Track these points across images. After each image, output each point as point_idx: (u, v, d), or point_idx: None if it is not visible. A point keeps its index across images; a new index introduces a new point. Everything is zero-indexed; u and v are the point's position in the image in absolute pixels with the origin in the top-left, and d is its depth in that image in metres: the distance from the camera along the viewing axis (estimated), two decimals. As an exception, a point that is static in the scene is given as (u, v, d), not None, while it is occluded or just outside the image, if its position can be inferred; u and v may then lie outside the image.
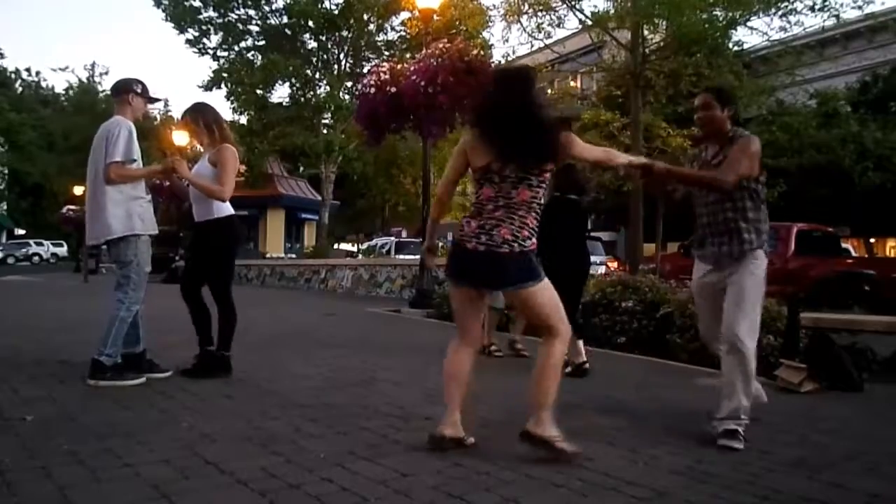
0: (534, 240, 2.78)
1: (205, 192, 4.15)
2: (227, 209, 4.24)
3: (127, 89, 4.14)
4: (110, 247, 4.04)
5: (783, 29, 10.19)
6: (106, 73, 47.10)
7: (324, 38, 26.17)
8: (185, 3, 25.21)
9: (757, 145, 3.23)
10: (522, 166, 2.75)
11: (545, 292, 2.80)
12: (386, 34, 26.71)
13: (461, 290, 2.88)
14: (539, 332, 2.93)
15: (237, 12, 25.99)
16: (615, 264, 14.50)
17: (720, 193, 3.23)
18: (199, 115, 4.30)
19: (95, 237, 4.02)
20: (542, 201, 2.83)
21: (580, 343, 4.82)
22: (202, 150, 4.49)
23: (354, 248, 34.37)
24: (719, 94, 3.38)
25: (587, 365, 4.78)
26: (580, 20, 11.62)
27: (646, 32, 11.20)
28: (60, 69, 48.99)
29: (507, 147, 2.75)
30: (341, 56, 26.61)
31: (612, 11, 10.80)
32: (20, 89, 48.78)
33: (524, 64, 3.46)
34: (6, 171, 42.89)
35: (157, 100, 4.40)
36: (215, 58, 26.69)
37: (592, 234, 18.89)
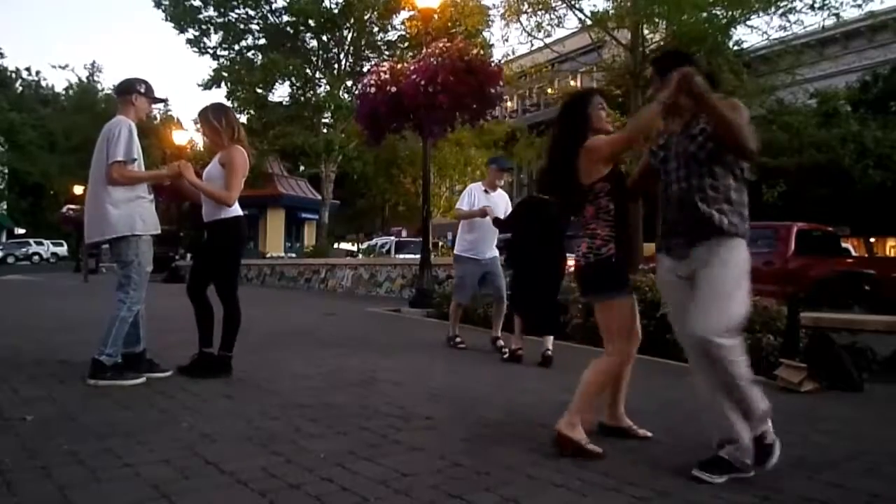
0: (610, 245, 2.85)
1: (211, 197, 4.17)
2: (235, 209, 4.26)
3: (130, 89, 4.13)
4: (112, 246, 4.04)
5: (783, 28, 10.19)
6: (100, 71, 47.14)
7: (325, 38, 26.19)
8: (186, 2, 25.22)
9: (744, 110, 2.66)
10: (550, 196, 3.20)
11: (614, 311, 2.88)
12: (386, 33, 26.73)
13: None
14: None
15: (237, 11, 26.01)
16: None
17: (741, 156, 2.61)
18: (222, 114, 4.34)
19: (96, 236, 4.02)
20: (612, 207, 2.88)
21: (550, 338, 5.24)
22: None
23: (354, 248, 34.37)
24: (659, 63, 2.83)
25: (521, 352, 5.27)
26: (580, 20, 11.63)
27: (645, 32, 11.19)
28: (61, 67, 49.10)
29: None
30: (341, 55, 26.63)
31: (611, 11, 10.80)
32: (20, 89, 48.78)
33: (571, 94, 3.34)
34: (6, 171, 42.89)
35: (161, 100, 4.40)
36: (215, 57, 26.73)
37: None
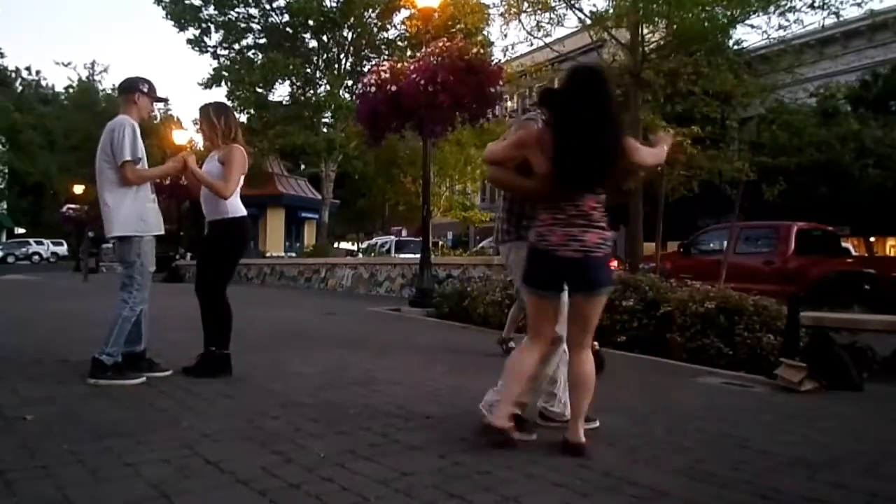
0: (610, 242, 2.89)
1: (209, 187, 4.20)
2: (239, 209, 4.30)
3: (133, 88, 4.14)
4: (115, 246, 4.05)
5: (782, 27, 10.17)
6: (105, 71, 47.16)
7: (324, 38, 26.19)
8: (186, 1, 25.24)
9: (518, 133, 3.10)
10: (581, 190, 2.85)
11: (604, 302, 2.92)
12: (386, 32, 26.72)
13: (544, 297, 2.88)
14: (577, 340, 2.90)
15: (237, 10, 26.01)
16: (615, 263, 14.47)
17: None
18: (223, 113, 4.38)
19: (107, 234, 4.03)
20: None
21: None
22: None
23: (354, 247, 34.39)
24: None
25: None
26: (579, 19, 11.60)
27: (645, 31, 11.16)
28: (64, 64, 48.82)
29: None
30: (341, 55, 26.63)
31: (611, 10, 10.78)
32: (20, 88, 48.78)
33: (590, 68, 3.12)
34: (6, 171, 42.89)
35: (163, 99, 4.42)
36: (215, 56, 26.75)
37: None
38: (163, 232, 4.20)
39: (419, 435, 2.99)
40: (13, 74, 48.52)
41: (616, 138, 2.80)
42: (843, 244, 13.39)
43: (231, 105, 26.31)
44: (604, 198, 2.87)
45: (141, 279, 4.01)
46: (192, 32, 26.04)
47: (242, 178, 4.32)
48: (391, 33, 26.58)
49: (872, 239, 19.93)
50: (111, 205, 3.95)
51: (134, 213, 4.00)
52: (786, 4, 9.64)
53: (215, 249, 4.34)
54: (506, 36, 29.89)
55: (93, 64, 55.04)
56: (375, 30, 26.37)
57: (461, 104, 8.88)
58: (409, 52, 21.87)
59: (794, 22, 9.90)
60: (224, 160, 4.22)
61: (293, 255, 28.31)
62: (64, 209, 26.75)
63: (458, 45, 8.94)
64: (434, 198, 23.93)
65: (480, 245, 24.04)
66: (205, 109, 4.41)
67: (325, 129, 26.65)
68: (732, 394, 4.38)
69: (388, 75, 9.18)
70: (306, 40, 26.62)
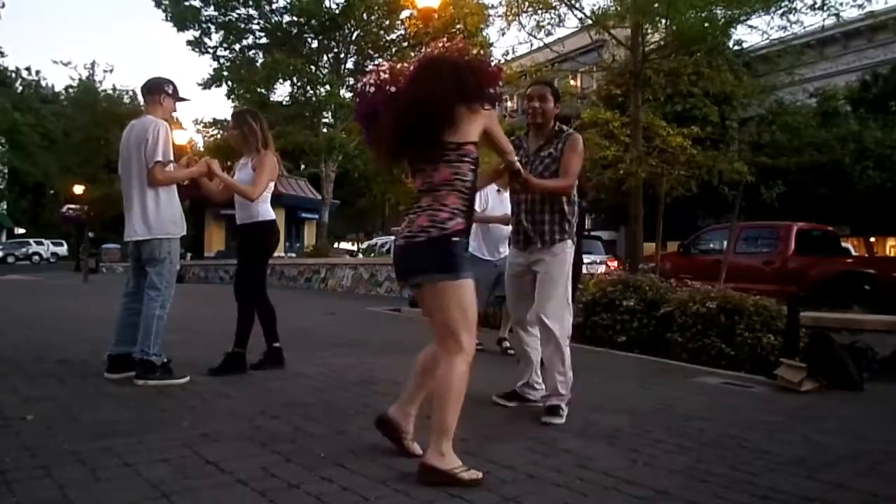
0: (458, 220, 2.45)
1: (236, 192, 4.32)
2: (269, 213, 4.45)
3: (159, 89, 4.16)
4: (144, 245, 4.02)
5: (783, 28, 10.16)
6: (110, 72, 47.04)
7: (326, 41, 26.20)
8: (186, 2, 25.24)
9: (582, 144, 3.51)
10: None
11: (458, 292, 2.47)
12: (388, 33, 26.73)
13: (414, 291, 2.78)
14: (438, 341, 2.61)
15: (238, 11, 26.01)
16: (615, 263, 14.50)
17: (564, 195, 3.49)
18: (257, 120, 4.52)
19: (134, 235, 4.02)
20: (471, 180, 2.53)
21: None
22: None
23: (354, 248, 34.39)
24: (553, 88, 3.63)
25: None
26: (579, 19, 11.60)
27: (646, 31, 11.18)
28: (63, 63, 48.88)
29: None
30: (342, 55, 26.64)
31: (611, 10, 10.78)
32: (20, 88, 48.77)
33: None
34: (6, 171, 42.86)
35: (185, 100, 4.43)
36: (215, 57, 26.74)
37: (593, 233, 18.89)
38: (185, 232, 4.23)
39: (419, 435, 2.99)
40: (13, 74, 48.47)
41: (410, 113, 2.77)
42: (843, 244, 13.39)
43: (233, 105, 26.13)
44: (465, 171, 2.50)
45: (170, 276, 4.06)
46: (191, 34, 26.07)
47: (272, 183, 4.43)
48: (392, 34, 26.60)
49: (872, 239, 19.94)
50: (156, 205, 3.97)
51: (174, 215, 4.06)
52: (786, 5, 9.63)
53: (251, 251, 4.46)
54: (504, 34, 29.92)
55: (93, 64, 55.12)
56: (377, 30, 26.39)
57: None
58: (412, 54, 21.88)
59: (795, 23, 9.89)
60: (256, 166, 4.33)
61: (293, 255, 28.29)
62: (64, 209, 26.67)
63: (458, 46, 8.93)
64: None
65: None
66: (241, 116, 4.59)
67: (324, 130, 26.68)
68: (732, 394, 4.38)
69: (387, 76, 9.17)
70: (308, 40, 26.63)
